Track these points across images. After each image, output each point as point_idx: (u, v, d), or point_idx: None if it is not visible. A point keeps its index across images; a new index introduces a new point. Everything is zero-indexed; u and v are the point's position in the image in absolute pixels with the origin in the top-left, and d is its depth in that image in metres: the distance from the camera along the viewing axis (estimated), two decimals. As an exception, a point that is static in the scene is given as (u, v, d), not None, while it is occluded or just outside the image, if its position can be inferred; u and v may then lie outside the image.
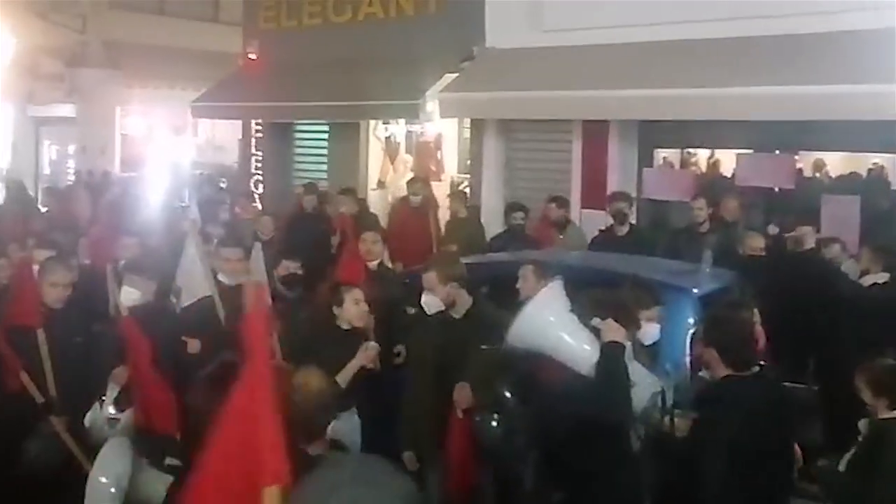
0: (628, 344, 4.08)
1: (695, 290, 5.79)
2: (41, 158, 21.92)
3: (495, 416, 4.69)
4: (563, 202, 9.42)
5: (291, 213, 10.77)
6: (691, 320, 5.41)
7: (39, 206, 13.67)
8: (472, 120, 11.89)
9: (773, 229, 8.13)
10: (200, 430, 2.68)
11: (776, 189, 9.51)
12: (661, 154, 10.91)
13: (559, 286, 4.28)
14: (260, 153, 14.84)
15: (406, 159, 13.98)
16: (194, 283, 6.29)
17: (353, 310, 5.46)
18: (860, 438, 4.65)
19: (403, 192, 11.20)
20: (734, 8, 9.05)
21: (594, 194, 10.15)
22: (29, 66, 19.00)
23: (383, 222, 10.63)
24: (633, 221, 9.07)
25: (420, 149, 13.86)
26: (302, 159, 14.50)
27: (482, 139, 11.64)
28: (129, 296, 5.77)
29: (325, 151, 14.03)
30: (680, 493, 4.12)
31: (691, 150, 11.16)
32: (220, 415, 2.57)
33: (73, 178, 18.82)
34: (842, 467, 4.62)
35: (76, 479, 4.20)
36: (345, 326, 5.49)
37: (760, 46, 8.80)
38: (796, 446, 4.57)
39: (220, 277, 6.23)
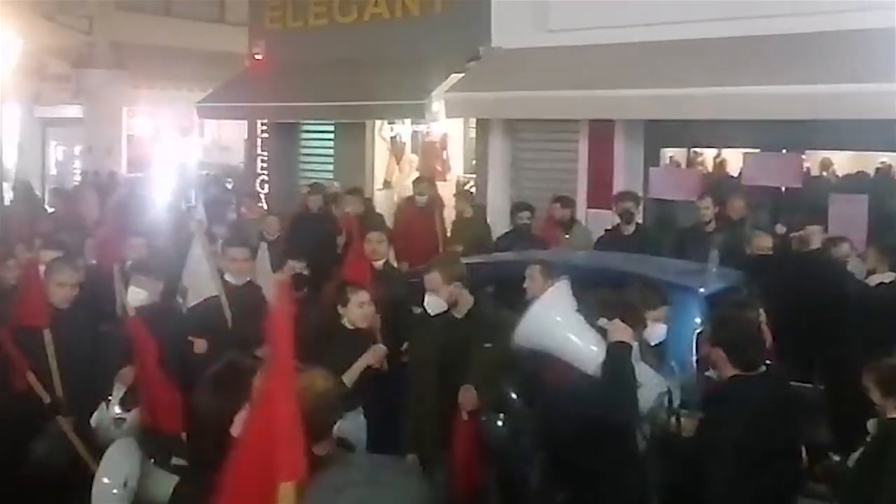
0: (635, 344, 4.07)
1: (701, 290, 5.78)
2: (48, 159, 21.95)
3: (501, 416, 4.70)
4: (568, 202, 9.41)
5: (297, 213, 10.78)
6: (698, 320, 5.42)
7: (46, 207, 13.72)
8: (477, 120, 11.90)
9: (781, 229, 8.11)
10: (206, 431, 2.68)
11: (783, 188, 9.49)
12: (667, 153, 10.91)
13: (566, 286, 4.27)
14: (266, 153, 14.85)
15: (412, 159, 13.99)
16: (201, 283, 6.30)
17: (356, 312, 5.45)
18: (868, 438, 4.63)
19: (409, 191, 11.19)
20: (740, 7, 9.04)
21: (600, 194, 10.15)
22: (36, 68, 19.02)
23: (389, 222, 10.63)
24: (640, 221, 9.06)
25: (426, 149, 13.87)
26: (308, 159, 14.51)
27: (488, 139, 11.64)
28: (135, 296, 5.78)
29: (330, 152, 14.04)
30: (686, 493, 4.11)
31: (698, 150, 11.14)
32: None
33: (79, 178, 18.82)
34: (850, 467, 4.61)
35: (82, 479, 4.19)
36: (350, 326, 5.48)
37: (767, 45, 8.78)
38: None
39: (227, 277, 6.24)
